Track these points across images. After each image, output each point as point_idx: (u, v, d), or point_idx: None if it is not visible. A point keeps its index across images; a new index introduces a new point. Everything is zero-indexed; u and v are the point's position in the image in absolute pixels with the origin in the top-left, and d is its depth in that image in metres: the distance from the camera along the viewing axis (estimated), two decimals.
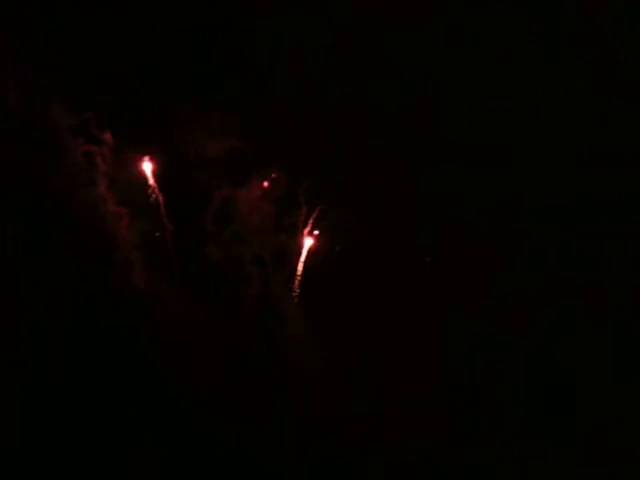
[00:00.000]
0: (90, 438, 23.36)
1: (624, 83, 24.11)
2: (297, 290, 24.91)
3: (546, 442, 24.10)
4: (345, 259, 24.75)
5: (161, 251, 24.27)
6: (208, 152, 23.91)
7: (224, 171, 24.16)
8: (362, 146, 24.40)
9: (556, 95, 24.30)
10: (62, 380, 23.49)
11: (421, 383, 24.19)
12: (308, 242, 24.89)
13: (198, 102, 23.63)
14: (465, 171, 24.44)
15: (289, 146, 24.01)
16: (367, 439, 24.43)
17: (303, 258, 24.90)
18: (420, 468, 24.17)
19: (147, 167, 23.92)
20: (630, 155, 24.23)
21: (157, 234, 23.73)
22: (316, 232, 24.93)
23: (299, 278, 24.89)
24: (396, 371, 24.42)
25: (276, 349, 24.72)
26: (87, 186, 23.53)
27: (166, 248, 24.22)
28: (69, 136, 23.32)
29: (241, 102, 23.87)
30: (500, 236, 24.21)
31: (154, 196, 23.94)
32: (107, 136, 23.55)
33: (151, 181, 23.92)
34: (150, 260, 24.13)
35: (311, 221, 24.84)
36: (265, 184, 24.29)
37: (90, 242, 23.61)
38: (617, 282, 24.25)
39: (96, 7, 23.28)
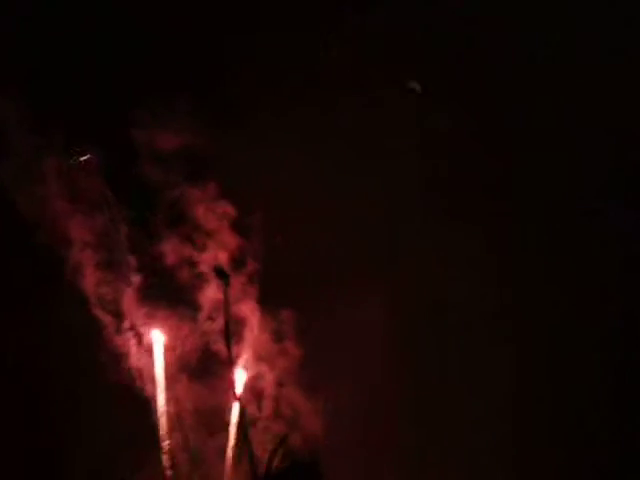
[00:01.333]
0: None
1: None
2: (257, 293, 23.77)
3: None
4: (305, 259, 23.78)
5: (113, 251, 23.23)
6: (161, 147, 22.70)
7: (178, 167, 22.93)
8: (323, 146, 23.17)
9: None
10: None
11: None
12: (266, 245, 23.72)
13: (151, 94, 22.39)
14: None
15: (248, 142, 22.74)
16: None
17: (261, 261, 23.74)
18: None
19: (97, 162, 22.82)
20: None
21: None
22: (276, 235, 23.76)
23: (258, 281, 23.71)
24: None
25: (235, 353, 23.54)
26: (35, 181, 22.46)
27: (119, 248, 23.19)
28: (15, 128, 22.28)
29: (197, 94, 22.81)
30: None
31: (106, 193, 22.89)
32: (57, 128, 22.41)
33: (102, 177, 22.85)
34: (102, 260, 23.11)
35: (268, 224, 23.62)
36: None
37: (39, 240, 22.54)
38: None
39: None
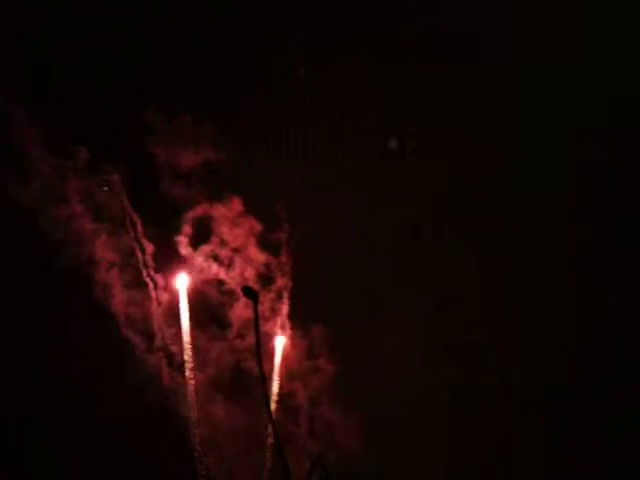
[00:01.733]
0: None
1: None
2: (286, 311, 23.29)
3: None
4: (334, 273, 23.54)
5: (140, 270, 22.91)
6: (183, 164, 22.32)
7: (200, 184, 22.57)
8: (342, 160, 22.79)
9: None
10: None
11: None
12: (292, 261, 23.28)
13: (172, 111, 22.06)
14: None
15: (269, 158, 22.28)
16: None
17: (290, 278, 23.28)
18: None
19: (120, 182, 22.54)
20: None
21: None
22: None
23: (287, 299, 23.22)
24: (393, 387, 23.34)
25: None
26: (59, 202, 22.19)
27: (145, 267, 22.87)
28: (37, 149, 22.05)
29: (217, 111, 22.97)
30: None
31: (130, 212, 22.59)
32: (78, 149, 22.16)
33: (125, 196, 22.54)
34: (129, 279, 22.80)
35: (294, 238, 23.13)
36: None
37: (64, 262, 22.26)
38: None
39: (63, 16, 22.62)
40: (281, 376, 23.84)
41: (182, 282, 23.25)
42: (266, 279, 23.69)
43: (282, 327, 23.74)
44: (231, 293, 23.54)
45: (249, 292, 22.33)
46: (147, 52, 22.80)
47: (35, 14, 22.45)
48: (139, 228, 23.12)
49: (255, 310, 22.08)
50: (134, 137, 22.64)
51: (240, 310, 23.39)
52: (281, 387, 23.76)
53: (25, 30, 22.56)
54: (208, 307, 23.61)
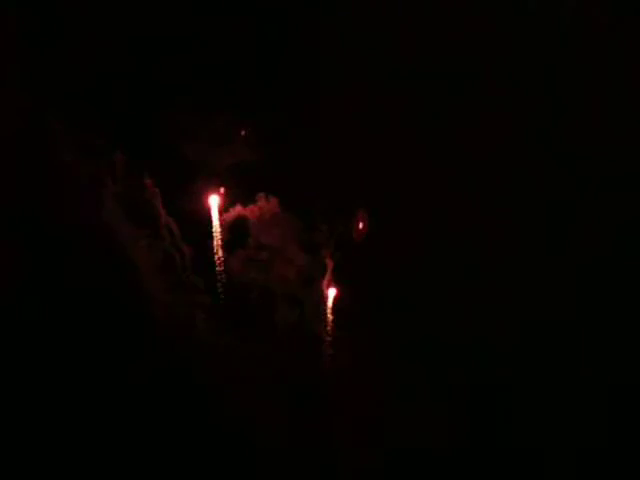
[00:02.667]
0: None
1: None
2: (329, 313, 22.69)
3: None
4: (373, 276, 22.93)
5: (180, 273, 22.47)
6: (217, 164, 21.88)
7: (235, 185, 22.62)
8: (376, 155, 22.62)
9: None
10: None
11: None
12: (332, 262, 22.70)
13: (205, 113, 22.27)
14: None
15: (301, 158, 22.39)
16: None
17: (328, 279, 22.69)
18: None
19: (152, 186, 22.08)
20: None
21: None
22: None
23: (329, 300, 22.60)
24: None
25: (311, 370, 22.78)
26: (98, 208, 21.80)
27: (185, 270, 22.43)
28: (75, 156, 21.68)
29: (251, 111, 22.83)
30: None
31: (166, 217, 22.17)
32: (115, 155, 21.87)
33: (159, 201, 22.07)
34: (169, 282, 22.40)
35: (333, 238, 22.42)
36: None
37: (105, 265, 21.99)
38: None
39: (97, 23, 22.69)
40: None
41: (214, 202, 22.93)
42: (308, 280, 23.07)
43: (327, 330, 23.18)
44: (272, 295, 22.99)
45: (294, 300, 22.35)
46: (180, 55, 22.34)
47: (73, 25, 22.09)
48: (175, 232, 22.65)
49: (300, 317, 22.05)
50: (168, 140, 22.12)
51: (283, 313, 22.89)
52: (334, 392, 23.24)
53: (59, 41, 22.13)
54: (249, 308, 23.11)
